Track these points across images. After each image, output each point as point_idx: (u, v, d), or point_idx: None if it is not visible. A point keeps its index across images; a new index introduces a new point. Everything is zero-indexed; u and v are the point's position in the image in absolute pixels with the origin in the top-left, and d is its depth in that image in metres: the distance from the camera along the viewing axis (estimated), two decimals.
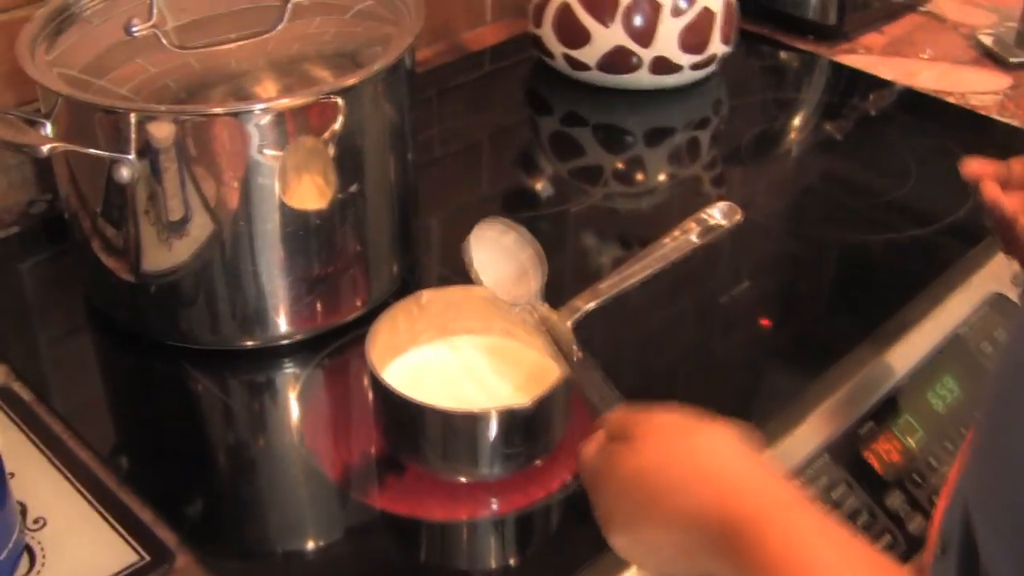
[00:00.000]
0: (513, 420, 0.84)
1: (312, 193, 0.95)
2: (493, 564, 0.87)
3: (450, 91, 1.46)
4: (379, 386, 0.86)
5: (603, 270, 1.15)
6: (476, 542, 0.87)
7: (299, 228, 0.95)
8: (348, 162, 0.96)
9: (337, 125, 0.93)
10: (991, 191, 0.92)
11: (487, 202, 1.28)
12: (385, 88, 0.97)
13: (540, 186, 1.32)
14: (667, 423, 0.71)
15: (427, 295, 0.93)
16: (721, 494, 0.65)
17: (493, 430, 0.84)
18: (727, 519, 0.63)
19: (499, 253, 0.91)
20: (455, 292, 0.94)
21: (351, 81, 0.92)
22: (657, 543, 0.69)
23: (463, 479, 0.87)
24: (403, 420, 0.87)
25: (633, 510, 0.69)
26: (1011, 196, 0.92)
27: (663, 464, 0.68)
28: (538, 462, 0.88)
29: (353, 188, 0.97)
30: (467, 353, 0.93)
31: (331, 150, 0.94)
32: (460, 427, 0.84)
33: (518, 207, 1.26)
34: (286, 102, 0.91)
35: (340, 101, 0.92)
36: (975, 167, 0.95)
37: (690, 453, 0.68)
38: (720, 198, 1.05)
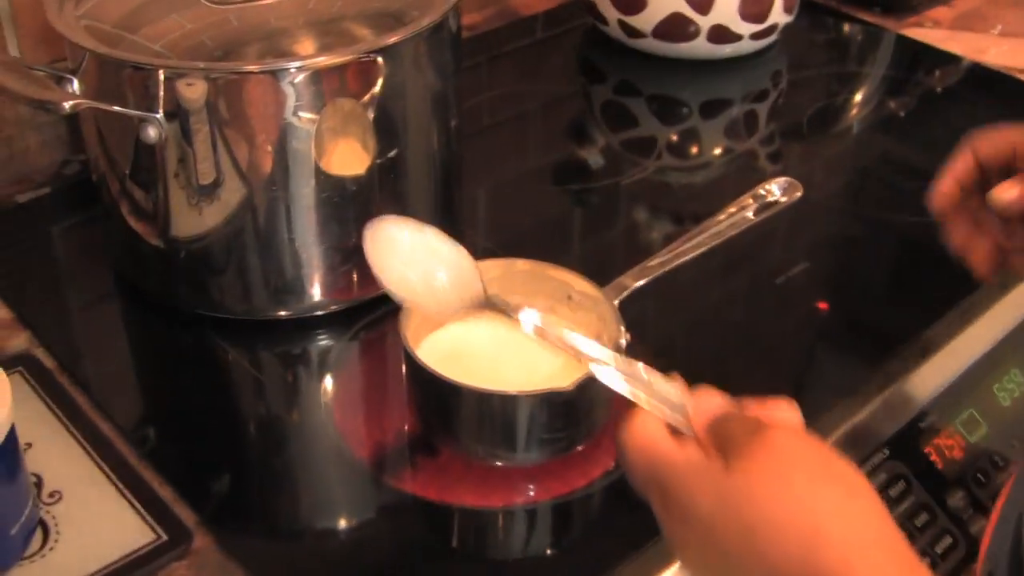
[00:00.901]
0: (554, 403, 0.79)
1: (349, 158, 0.90)
2: (528, 554, 0.82)
3: (500, 58, 1.41)
4: (412, 363, 0.81)
5: (654, 246, 1.10)
6: (511, 530, 0.83)
7: (335, 194, 0.91)
8: (388, 126, 0.91)
9: (377, 87, 0.88)
10: (958, 241, 0.83)
11: (536, 173, 1.23)
12: (428, 49, 0.92)
13: (591, 157, 1.27)
14: (793, 449, 0.58)
15: None
16: (831, 562, 0.54)
17: (532, 413, 0.79)
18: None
19: (407, 258, 0.82)
20: (498, 265, 0.89)
21: (392, 40, 0.87)
22: None
23: (499, 463, 0.83)
24: (437, 399, 0.82)
25: (716, 540, 0.59)
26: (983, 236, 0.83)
27: (772, 499, 0.56)
28: (579, 448, 0.83)
29: (392, 154, 0.92)
30: (508, 330, 0.89)
31: (370, 113, 0.89)
32: (497, 409, 0.80)
33: (567, 179, 1.22)
34: (323, 60, 0.86)
35: (380, 61, 0.87)
36: (942, 200, 0.84)
37: (812, 500, 0.56)
38: (777, 175, 1.00)
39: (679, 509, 0.60)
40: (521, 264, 0.87)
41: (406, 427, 0.88)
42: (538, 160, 1.27)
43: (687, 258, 0.88)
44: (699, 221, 0.89)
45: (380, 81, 0.88)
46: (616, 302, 0.85)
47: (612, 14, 1.36)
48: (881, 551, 0.55)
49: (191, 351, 0.96)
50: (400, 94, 0.91)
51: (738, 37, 1.35)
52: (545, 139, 1.31)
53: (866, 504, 0.57)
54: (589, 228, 1.16)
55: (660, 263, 0.88)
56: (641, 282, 0.87)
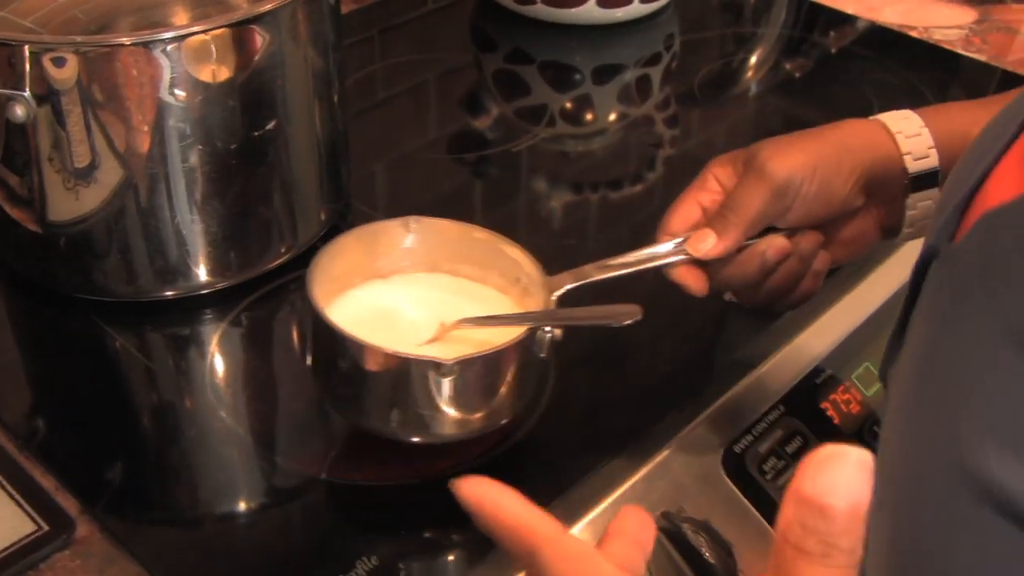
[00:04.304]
0: (477, 369, 0.74)
1: (228, 132, 0.88)
2: (434, 527, 0.79)
3: (391, 29, 1.39)
4: (321, 326, 0.75)
5: (554, 216, 1.10)
6: (411, 505, 0.80)
7: (215, 170, 0.88)
8: (267, 99, 0.89)
9: (253, 58, 0.86)
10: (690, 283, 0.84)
11: (431, 144, 1.21)
12: (305, 19, 0.89)
13: (484, 126, 1.25)
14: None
15: (416, 222, 0.84)
16: None
17: (454, 381, 0.73)
18: None
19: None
20: (456, 228, 0.84)
21: (265, 8, 0.85)
22: None
23: (415, 440, 0.77)
24: (344, 365, 0.75)
25: None
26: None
27: None
28: (504, 422, 0.78)
29: (272, 126, 0.90)
30: (418, 293, 0.84)
31: (248, 86, 0.87)
32: (415, 376, 0.73)
33: (462, 149, 1.20)
34: (196, 29, 0.83)
35: (255, 30, 0.85)
36: (678, 224, 0.84)
37: None
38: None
39: None
40: (479, 233, 0.83)
41: (299, 404, 0.86)
42: (432, 131, 1.26)
43: (633, 270, 0.85)
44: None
45: (256, 52, 0.86)
46: (555, 296, 0.80)
47: None
48: None
49: (75, 336, 0.93)
50: (278, 65, 0.88)
51: (629, 0, 1.33)
52: (438, 110, 1.29)
53: None
54: (487, 199, 1.14)
55: (606, 267, 0.84)
56: (582, 282, 0.82)
